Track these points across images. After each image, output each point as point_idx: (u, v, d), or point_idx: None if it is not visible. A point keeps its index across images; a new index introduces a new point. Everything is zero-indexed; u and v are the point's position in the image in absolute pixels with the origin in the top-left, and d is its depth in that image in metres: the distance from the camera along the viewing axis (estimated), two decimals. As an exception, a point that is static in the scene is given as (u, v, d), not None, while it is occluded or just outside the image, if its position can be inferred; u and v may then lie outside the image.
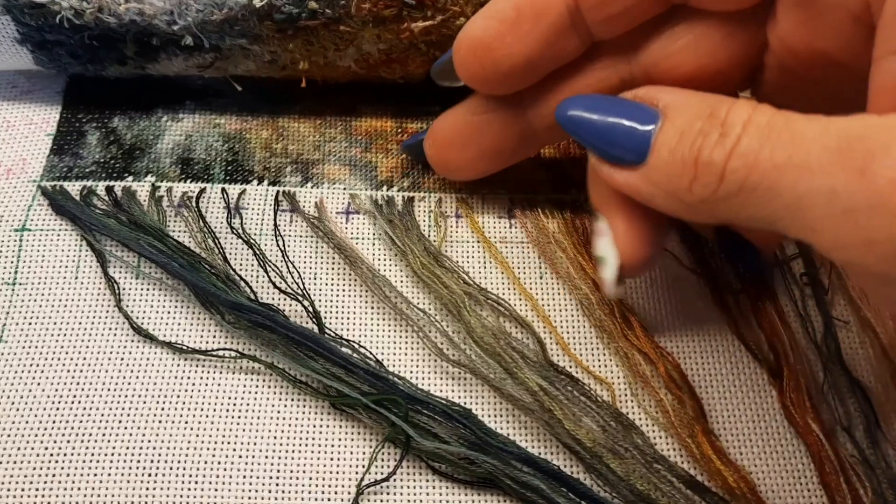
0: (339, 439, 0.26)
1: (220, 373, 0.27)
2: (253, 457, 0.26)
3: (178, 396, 0.27)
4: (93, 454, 0.26)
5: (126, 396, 0.27)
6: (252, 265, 0.29)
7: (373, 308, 0.29)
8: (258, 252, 0.29)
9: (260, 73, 0.32)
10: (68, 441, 0.26)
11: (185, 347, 0.27)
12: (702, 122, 0.20)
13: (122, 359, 0.27)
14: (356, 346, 0.28)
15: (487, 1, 0.28)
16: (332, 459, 0.26)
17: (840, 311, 0.30)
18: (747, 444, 0.27)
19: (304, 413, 0.27)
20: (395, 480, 0.26)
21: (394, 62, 0.31)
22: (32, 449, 0.25)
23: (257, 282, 0.29)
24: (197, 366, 0.27)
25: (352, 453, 0.26)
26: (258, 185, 0.31)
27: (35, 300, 0.28)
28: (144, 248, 0.29)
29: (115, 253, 0.29)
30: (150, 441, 0.26)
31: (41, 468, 0.25)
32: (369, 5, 0.28)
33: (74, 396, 0.26)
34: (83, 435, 0.26)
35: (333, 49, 0.30)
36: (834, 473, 0.26)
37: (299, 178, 0.32)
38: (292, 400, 0.27)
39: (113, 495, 0.25)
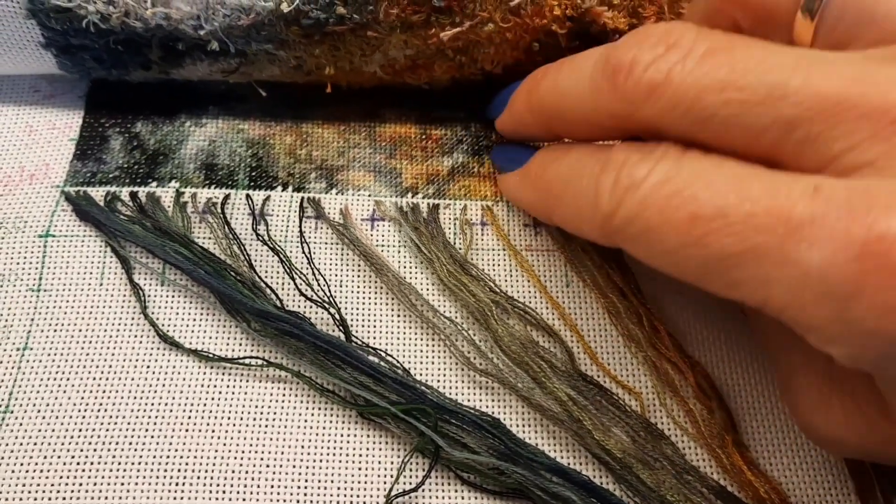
0: (368, 449, 0.26)
1: (247, 381, 0.27)
2: (280, 466, 0.26)
3: (205, 405, 0.27)
4: (119, 463, 0.25)
5: (152, 404, 0.26)
6: (278, 272, 0.29)
7: (399, 316, 0.29)
8: (284, 259, 0.29)
9: (284, 78, 0.31)
10: (94, 450, 0.26)
11: (211, 355, 0.27)
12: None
13: (148, 366, 0.27)
14: (384, 354, 0.28)
15: (514, 5, 0.28)
16: (360, 469, 0.26)
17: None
18: (777, 454, 0.27)
19: (331, 422, 0.27)
20: (424, 491, 0.26)
21: (420, 68, 0.31)
22: (59, 457, 0.25)
23: (283, 289, 0.29)
24: (223, 374, 0.27)
25: (380, 463, 0.26)
26: (283, 191, 0.31)
27: (60, 307, 0.28)
28: (170, 254, 0.28)
29: (139, 259, 0.29)
30: (176, 450, 0.26)
31: (67, 477, 0.25)
32: (397, 10, 0.28)
33: (100, 404, 0.26)
34: (109, 443, 0.26)
35: (360, 54, 0.30)
36: (869, 483, 0.26)
37: (324, 184, 0.31)
38: (320, 409, 0.27)
39: (140, 505, 0.25)
